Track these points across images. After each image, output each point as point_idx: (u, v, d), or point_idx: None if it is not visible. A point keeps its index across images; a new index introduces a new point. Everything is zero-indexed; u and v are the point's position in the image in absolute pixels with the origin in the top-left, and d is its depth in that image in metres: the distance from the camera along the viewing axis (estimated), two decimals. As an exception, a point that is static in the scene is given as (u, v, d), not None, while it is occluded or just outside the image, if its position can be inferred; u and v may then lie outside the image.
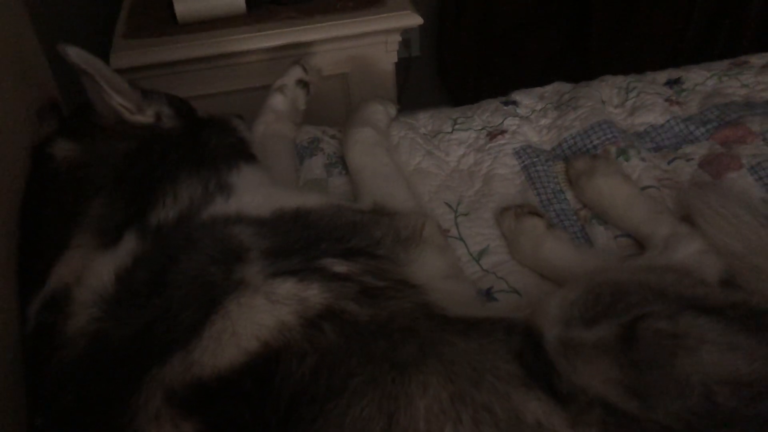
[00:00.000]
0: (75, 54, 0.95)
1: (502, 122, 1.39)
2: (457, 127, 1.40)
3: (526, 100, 1.46)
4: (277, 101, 1.35)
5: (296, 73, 1.38)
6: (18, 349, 0.87)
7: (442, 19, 2.66)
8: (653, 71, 1.51)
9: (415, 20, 1.72)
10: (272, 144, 1.29)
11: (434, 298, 0.89)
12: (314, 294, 0.82)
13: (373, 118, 1.29)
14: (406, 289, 0.90)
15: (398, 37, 1.77)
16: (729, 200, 1.02)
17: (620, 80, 1.47)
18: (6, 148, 0.94)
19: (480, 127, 1.39)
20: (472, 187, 1.29)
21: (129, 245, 0.87)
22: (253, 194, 0.98)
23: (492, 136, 1.36)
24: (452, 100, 2.71)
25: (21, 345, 0.87)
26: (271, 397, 0.75)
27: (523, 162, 1.30)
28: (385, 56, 1.80)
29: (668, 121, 1.34)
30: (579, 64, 2.43)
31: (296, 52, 1.64)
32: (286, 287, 0.82)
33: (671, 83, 1.46)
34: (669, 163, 1.26)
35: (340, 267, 0.88)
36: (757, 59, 1.50)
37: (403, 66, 2.30)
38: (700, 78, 1.46)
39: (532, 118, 1.41)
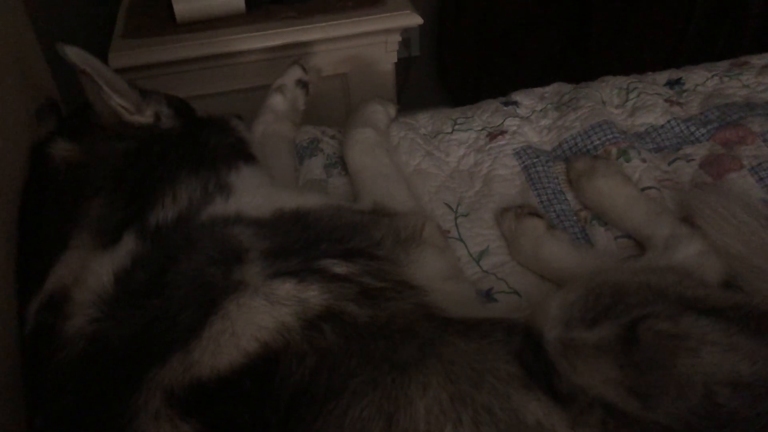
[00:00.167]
0: (74, 54, 0.95)
1: (503, 123, 1.39)
2: (457, 127, 1.40)
3: (527, 100, 1.46)
4: (277, 101, 1.35)
5: (295, 73, 1.37)
6: (17, 349, 0.86)
7: (442, 19, 2.66)
8: (653, 72, 1.51)
9: (414, 20, 1.72)
10: (272, 144, 1.29)
11: (434, 299, 0.89)
12: (314, 295, 0.82)
13: (373, 119, 1.29)
14: (406, 290, 0.89)
15: (398, 37, 1.77)
16: (729, 201, 1.02)
17: (621, 81, 1.47)
18: (5, 148, 0.94)
19: (480, 128, 1.39)
20: (472, 187, 1.29)
21: (128, 246, 0.87)
22: (252, 194, 0.98)
23: (492, 136, 1.36)
24: (452, 101, 2.70)
25: (20, 345, 0.87)
26: (270, 398, 0.75)
27: (524, 162, 1.30)
28: (385, 56, 1.80)
29: (669, 121, 1.34)
30: (579, 65, 2.43)
31: (295, 52, 1.64)
32: (286, 288, 0.82)
33: (672, 84, 1.46)
34: (669, 163, 1.25)
35: (339, 268, 0.88)
36: (757, 60, 1.50)
37: (402, 66, 2.30)
38: (700, 78, 1.46)
39: (533, 118, 1.41)
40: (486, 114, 1.42)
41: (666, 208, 1.13)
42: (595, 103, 1.37)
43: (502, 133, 1.36)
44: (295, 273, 0.84)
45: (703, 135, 1.30)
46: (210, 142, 1.06)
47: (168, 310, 0.81)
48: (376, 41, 1.75)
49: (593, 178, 1.16)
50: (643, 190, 1.17)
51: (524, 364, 0.77)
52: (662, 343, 0.73)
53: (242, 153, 1.08)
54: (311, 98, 1.40)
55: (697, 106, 1.38)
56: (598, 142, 1.29)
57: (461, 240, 1.17)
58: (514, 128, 1.37)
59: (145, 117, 1.04)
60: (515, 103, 1.45)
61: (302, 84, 1.38)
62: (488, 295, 1.08)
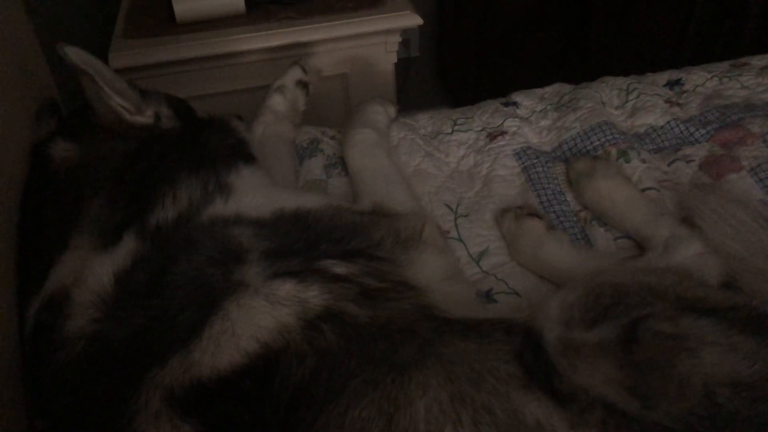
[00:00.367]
0: (74, 54, 0.95)
1: (502, 123, 1.39)
2: (456, 128, 1.40)
3: (526, 101, 1.46)
4: (277, 102, 1.35)
5: (295, 73, 1.37)
6: (17, 349, 0.86)
7: (442, 19, 2.66)
8: (653, 72, 1.51)
9: (414, 20, 1.72)
10: (272, 145, 1.29)
11: (434, 299, 0.89)
12: (314, 295, 0.82)
13: (372, 119, 1.29)
14: (406, 290, 0.89)
15: (398, 38, 1.77)
16: (729, 202, 1.02)
17: (620, 81, 1.47)
18: (5, 148, 0.94)
19: (480, 128, 1.39)
20: (471, 188, 1.29)
21: (128, 246, 0.87)
22: (252, 195, 0.98)
23: (492, 137, 1.36)
24: (452, 101, 2.70)
25: (20, 345, 0.87)
26: (270, 398, 0.75)
27: (523, 163, 1.30)
28: (385, 57, 1.80)
29: (668, 122, 1.34)
30: (579, 65, 2.43)
31: (295, 53, 1.64)
32: (286, 288, 0.82)
33: (671, 84, 1.46)
34: (669, 164, 1.25)
35: (339, 268, 0.88)
36: (757, 61, 1.50)
37: (402, 66, 2.30)
38: (700, 79, 1.46)
39: (532, 119, 1.41)
40: (486, 115, 1.42)
41: (665, 209, 1.13)
42: (594, 104, 1.38)
43: (502, 133, 1.36)
44: (295, 273, 0.84)
45: (702, 136, 1.30)
46: (210, 142, 1.06)
47: (168, 311, 0.81)
48: (376, 42, 1.75)
49: (593, 179, 1.16)
50: (642, 190, 1.17)
51: (524, 364, 0.77)
52: (662, 344, 0.73)
53: (242, 153, 1.08)
54: (311, 99, 1.40)
55: (697, 107, 1.38)
56: (597, 142, 1.29)
57: (461, 240, 1.18)
58: (514, 129, 1.37)
59: (145, 117, 1.04)
60: (515, 104, 1.45)
61: (302, 84, 1.37)
62: (488, 296, 1.08)
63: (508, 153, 1.32)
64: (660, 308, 0.80)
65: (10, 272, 0.90)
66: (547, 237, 1.10)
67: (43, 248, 0.91)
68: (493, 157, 1.32)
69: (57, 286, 0.86)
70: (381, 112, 1.32)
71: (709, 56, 2.05)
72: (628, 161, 1.23)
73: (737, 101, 1.37)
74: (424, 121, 1.43)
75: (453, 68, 2.72)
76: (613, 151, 1.26)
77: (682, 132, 1.32)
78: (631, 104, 1.40)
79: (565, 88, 1.49)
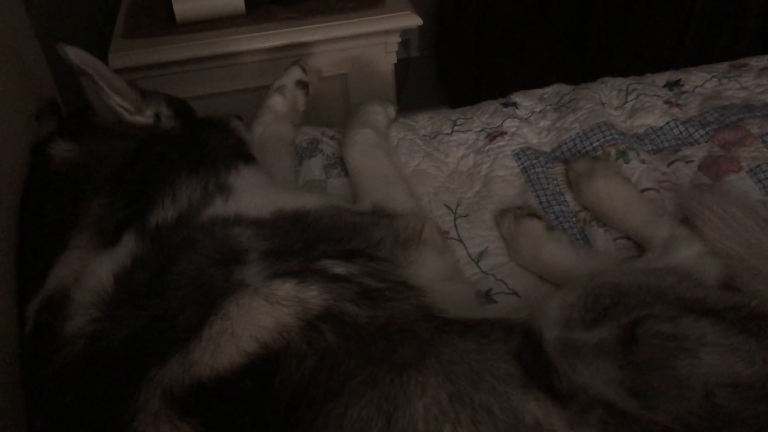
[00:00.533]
0: (74, 54, 0.95)
1: (502, 124, 1.39)
2: (456, 128, 1.40)
3: (526, 101, 1.46)
4: (276, 102, 1.35)
5: (295, 73, 1.37)
6: (17, 349, 0.86)
7: (442, 19, 2.66)
8: (653, 73, 1.51)
9: (414, 21, 1.72)
10: (271, 145, 1.29)
11: (433, 299, 0.89)
12: (314, 295, 0.82)
13: (372, 120, 1.29)
14: (406, 290, 0.90)
15: (397, 38, 1.77)
16: (728, 203, 1.02)
17: (620, 82, 1.47)
18: (5, 148, 0.94)
19: (479, 129, 1.39)
20: (471, 188, 1.29)
21: (128, 246, 0.87)
22: (252, 195, 0.98)
23: (491, 137, 1.36)
24: (451, 101, 2.71)
25: (20, 346, 0.87)
26: (270, 399, 0.75)
27: (523, 164, 1.30)
28: (385, 57, 1.80)
29: (668, 123, 1.34)
30: (578, 66, 2.43)
31: (295, 53, 1.64)
32: (286, 288, 0.82)
33: (671, 85, 1.46)
34: (668, 165, 1.26)
35: (339, 268, 0.88)
36: (756, 62, 1.50)
37: (402, 67, 2.30)
38: (699, 80, 1.46)
39: (532, 119, 1.41)
40: (485, 115, 1.42)
41: (665, 210, 1.13)
42: (594, 105, 1.38)
43: (502, 134, 1.36)
44: (294, 273, 0.84)
45: (702, 136, 1.30)
46: (210, 142, 1.06)
47: (168, 311, 0.81)
48: (375, 42, 1.75)
49: (592, 180, 1.17)
50: (642, 191, 1.17)
51: (523, 364, 0.77)
52: (662, 344, 0.74)
53: (242, 154, 1.08)
54: (311, 99, 1.40)
55: (696, 107, 1.38)
56: (597, 143, 1.29)
57: (460, 241, 1.18)
58: (514, 129, 1.37)
59: (145, 117, 1.04)
60: (514, 104, 1.45)
61: (302, 85, 1.37)
62: (488, 296, 1.08)
63: (507, 153, 1.33)
64: (659, 309, 0.80)
65: (10, 272, 0.90)
66: (547, 237, 1.10)
67: (43, 248, 0.91)
68: (493, 158, 1.32)
69: (57, 286, 0.86)
70: (380, 113, 1.32)
71: (709, 57, 2.05)
72: (627, 162, 1.23)
73: (736, 102, 1.37)
74: (424, 121, 1.43)
75: (452, 69, 2.72)
76: (613, 151, 1.26)
77: (681, 133, 1.33)
78: (631, 105, 1.40)
79: (565, 88, 1.49)
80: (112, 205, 0.93)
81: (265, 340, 0.78)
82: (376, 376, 0.76)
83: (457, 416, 0.72)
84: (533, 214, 1.14)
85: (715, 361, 0.72)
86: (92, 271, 0.85)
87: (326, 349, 0.78)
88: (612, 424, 0.71)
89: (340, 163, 1.31)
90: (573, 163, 1.23)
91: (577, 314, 0.83)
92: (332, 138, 1.39)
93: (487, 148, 1.35)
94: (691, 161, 1.25)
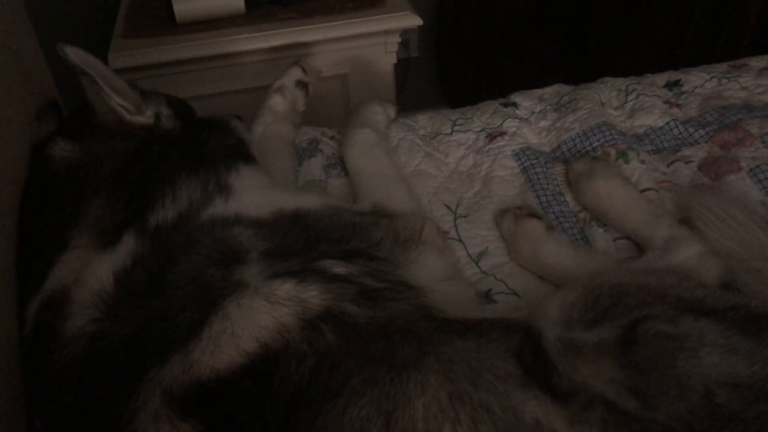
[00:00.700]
0: (74, 54, 0.95)
1: (502, 124, 1.39)
2: (456, 128, 1.40)
3: (526, 101, 1.46)
4: (276, 102, 1.35)
5: (295, 73, 1.37)
6: (17, 349, 0.86)
7: (441, 20, 2.66)
8: (652, 73, 1.51)
9: (414, 21, 1.72)
10: (271, 145, 1.29)
11: (433, 299, 0.89)
12: (313, 295, 0.82)
13: (372, 120, 1.29)
14: (405, 290, 0.90)
15: (397, 38, 1.77)
16: (728, 203, 1.02)
17: (620, 82, 1.47)
18: (5, 148, 0.94)
19: (479, 129, 1.39)
20: (471, 188, 1.29)
21: (128, 246, 0.87)
22: (252, 195, 0.98)
23: (491, 137, 1.36)
24: (451, 102, 2.71)
25: (20, 346, 0.87)
26: (270, 398, 0.75)
27: (523, 164, 1.30)
28: (384, 57, 1.80)
29: (667, 123, 1.34)
30: (578, 66, 2.43)
31: (295, 53, 1.64)
32: (286, 288, 0.82)
33: (670, 85, 1.46)
34: (668, 165, 1.26)
35: (339, 268, 0.88)
36: (756, 62, 1.50)
37: (402, 67, 2.30)
38: (699, 80, 1.46)
39: (532, 119, 1.41)
40: (485, 115, 1.42)
41: (665, 210, 1.13)
42: (594, 105, 1.38)
43: (502, 134, 1.36)
44: (294, 273, 0.84)
45: (701, 137, 1.30)
46: (210, 142, 1.06)
47: (168, 311, 0.81)
48: (375, 42, 1.76)
49: (592, 180, 1.17)
50: (642, 191, 1.17)
51: (523, 363, 0.77)
52: (662, 344, 0.74)
53: (242, 154, 1.08)
54: (311, 99, 1.40)
55: (696, 107, 1.38)
56: (597, 143, 1.29)
57: (460, 241, 1.18)
58: (514, 129, 1.37)
59: (145, 117, 1.04)
60: (514, 105, 1.45)
61: (302, 85, 1.37)
62: (487, 296, 1.08)
63: (507, 153, 1.33)
64: (659, 309, 0.80)
65: (10, 272, 0.90)
66: (547, 237, 1.10)
67: (43, 248, 0.91)
68: (493, 158, 1.32)
69: (57, 285, 0.86)
70: (380, 113, 1.32)
71: (709, 57, 2.05)
72: (627, 162, 1.23)
73: (736, 102, 1.37)
74: (424, 121, 1.43)
75: (452, 69, 2.72)
76: (613, 151, 1.26)
77: (681, 133, 1.33)
78: (631, 105, 1.40)
79: (565, 88, 1.49)
80: (112, 205, 0.93)
81: (265, 340, 0.78)
82: (375, 376, 0.76)
83: (456, 415, 0.72)
84: (533, 214, 1.14)
85: (715, 360, 0.72)
86: (92, 271, 0.86)
87: (326, 349, 0.78)
88: (612, 423, 0.71)
89: (340, 163, 1.31)
90: (573, 164, 1.23)
91: (577, 314, 0.83)
92: (332, 138, 1.39)
93: (487, 148, 1.35)
94: (691, 161, 1.25)
